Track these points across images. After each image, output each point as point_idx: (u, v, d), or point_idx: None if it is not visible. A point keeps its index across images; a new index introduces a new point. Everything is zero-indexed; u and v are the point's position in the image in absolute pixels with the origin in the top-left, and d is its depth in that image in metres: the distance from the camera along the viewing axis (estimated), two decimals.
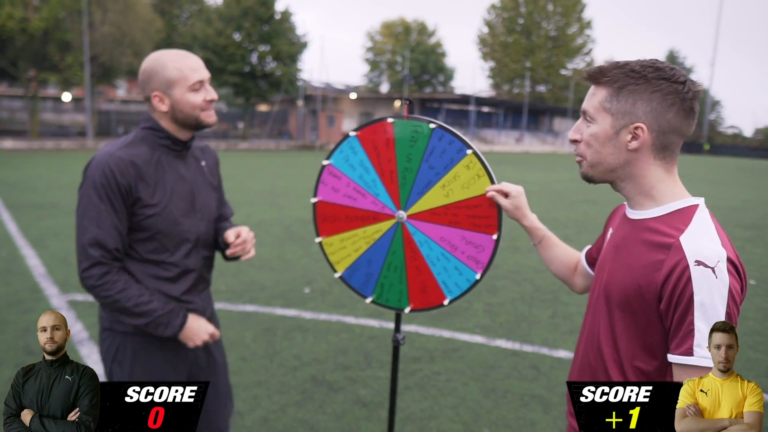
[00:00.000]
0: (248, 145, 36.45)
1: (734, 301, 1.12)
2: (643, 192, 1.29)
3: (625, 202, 1.41)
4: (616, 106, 1.26)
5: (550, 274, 6.75)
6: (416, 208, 1.88)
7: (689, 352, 1.12)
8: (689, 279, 1.12)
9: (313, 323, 4.83)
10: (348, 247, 1.99)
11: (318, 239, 2.04)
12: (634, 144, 1.26)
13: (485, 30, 66.20)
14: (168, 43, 37.86)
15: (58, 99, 42.31)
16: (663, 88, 1.22)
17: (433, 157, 1.83)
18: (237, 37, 37.33)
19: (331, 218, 2.00)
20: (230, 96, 42.94)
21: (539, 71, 62.98)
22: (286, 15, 38.82)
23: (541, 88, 64.92)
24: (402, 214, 1.88)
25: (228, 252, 1.96)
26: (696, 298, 1.11)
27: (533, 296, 5.89)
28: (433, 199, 1.85)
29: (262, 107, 48.27)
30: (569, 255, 1.74)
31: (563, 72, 64.65)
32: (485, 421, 3.34)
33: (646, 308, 1.20)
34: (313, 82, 48.58)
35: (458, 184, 1.81)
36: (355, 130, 1.93)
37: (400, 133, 1.86)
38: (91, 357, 3.95)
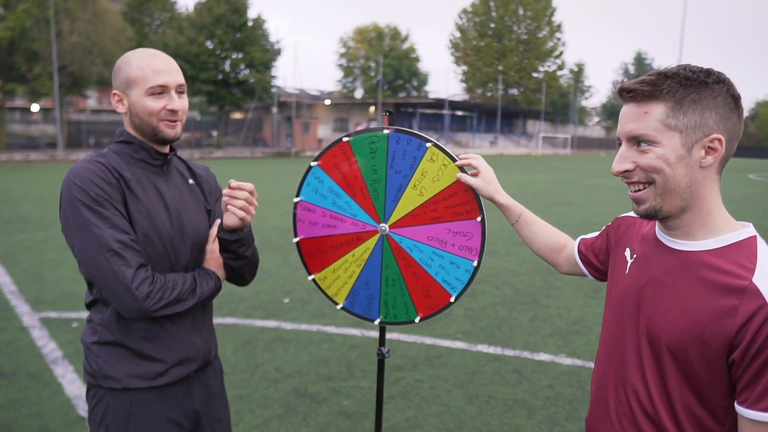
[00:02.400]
0: (223, 154, 36.14)
1: None
2: (700, 219, 1.15)
3: (655, 225, 1.28)
4: (683, 120, 1.10)
5: (529, 277, 6.80)
6: (395, 216, 1.86)
7: None
8: None
9: (294, 334, 4.79)
10: (342, 275, 1.96)
11: (310, 277, 2.00)
12: (709, 159, 1.11)
13: (457, 34, 66.90)
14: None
15: (26, 110, 41.48)
16: (723, 92, 1.10)
17: (397, 162, 1.82)
18: (209, 44, 37.07)
19: (317, 253, 1.96)
20: (203, 104, 42.61)
21: (511, 74, 63.82)
22: (258, 22, 38.66)
23: (514, 91, 65.82)
24: (384, 226, 1.87)
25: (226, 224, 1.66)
26: None
27: (513, 300, 5.92)
28: (409, 202, 1.84)
29: (236, 115, 47.94)
30: (551, 235, 1.70)
31: (535, 75, 65.57)
32: (470, 428, 3.33)
33: (709, 356, 1.09)
34: (287, 88, 48.41)
35: (428, 180, 1.80)
36: (315, 159, 1.91)
37: (358, 148, 1.86)
38: (66, 377, 3.85)
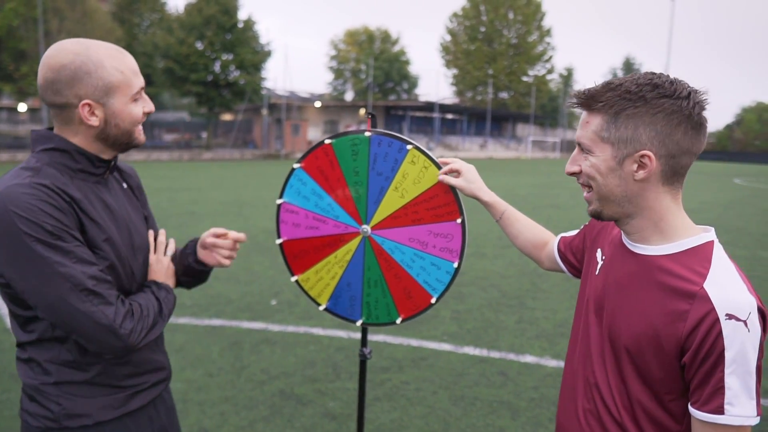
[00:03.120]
0: (212, 155, 35.99)
1: (762, 350, 1.06)
2: (651, 225, 1.17)
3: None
4: (615, 134, 1.13)
5: (516, 280, 6.84)
6: (377, 217, 1.88)
7: (720, 411, 1.05)
8: (720, 333, 1.03)
9: (281, 336, 4.79)
10: (324, 277, 1.97)
11: (293, 278, 2.01)
12: (641, 174, 1.13)
13: (448, 38, 67.12)
14: (129, 52, 37.17)
15: (13, 109, 41.06)
16: (666, 107, 1.09)
17: (378, 164, 1.84)
18: (199, 45, 36.88)
19: (300, 254, 1.98)
20: (193, 105, 42.41)
21: (501, 78, 64.08)
22: (249, 23, 38.55)
23: (504, 95, 66.09)
24: (366, 228, 1.88)
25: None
26: (727, 354, 1.03)
27: (499, 302, 5.95)
28: (391, 203, 1.85)
29: (226, 116, 47.76)
30: (534, 231, 1.73)
31: (525, 79, 65.90)
32: (455, 430, 3.35)
33: (663, 358, 1.12)
34: (278, 90, 48.37)
35: (409, 182, 1.82)
36: (298, 161, 1.93)
37: (340, 151, 1.87)
38: None
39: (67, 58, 1.31)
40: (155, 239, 1.63)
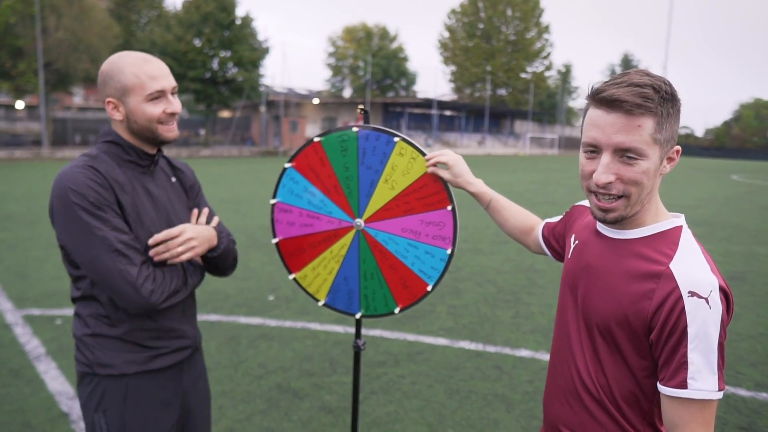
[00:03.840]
0: (210, 152, 35.98)
1: (724, 328, 1.09)
2: (640, 214, 1.21)
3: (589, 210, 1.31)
4: (663, 135, 1.14)
5: (512, 275, 6.88)
6: (369, 210, 1.92)
7: (683, 385, 1.09)
8: (683, 310, 1.08)
9: (278, 331, 4.82)
10: (321, 273, 2.01)
11: (291, 276, 2.05)
12: (668, 168, 1.19)
13: (446, 35, 67.06)
14: (126, 49, 37.13)
15: (10, 107, 41.00)
16: (679, 106, 1.16)
17: (367, 158, 1.88)
18: (197, 42, 36.88)
19: (296, 252, 2.02)
20: (191, 103, 42.41)
21: (500, 75, 64.06)
22: (246, 20, 38.53)
23: (502, 92, 66.05)
24: (359, 221, 1.92)
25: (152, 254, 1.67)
26: (690, 330, 1.08)
27: (496, 297, 5.99)
28: (382, 196, 1.89)
29: (224, 113, 47.74)
30: (520, 218, 1.79)
31: (523, 75, 65.87)
32: (450, 422, 3.39)
33: (633, 337, 1.17)
34: (276, 87, 48.25)
35: (399, 173, 1.86)
36: (289, 161, 1.98)
37: (330, 148, 1.92)
38: (48, 373, 3.86)
39: (105, 67, 1.63)
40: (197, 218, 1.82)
